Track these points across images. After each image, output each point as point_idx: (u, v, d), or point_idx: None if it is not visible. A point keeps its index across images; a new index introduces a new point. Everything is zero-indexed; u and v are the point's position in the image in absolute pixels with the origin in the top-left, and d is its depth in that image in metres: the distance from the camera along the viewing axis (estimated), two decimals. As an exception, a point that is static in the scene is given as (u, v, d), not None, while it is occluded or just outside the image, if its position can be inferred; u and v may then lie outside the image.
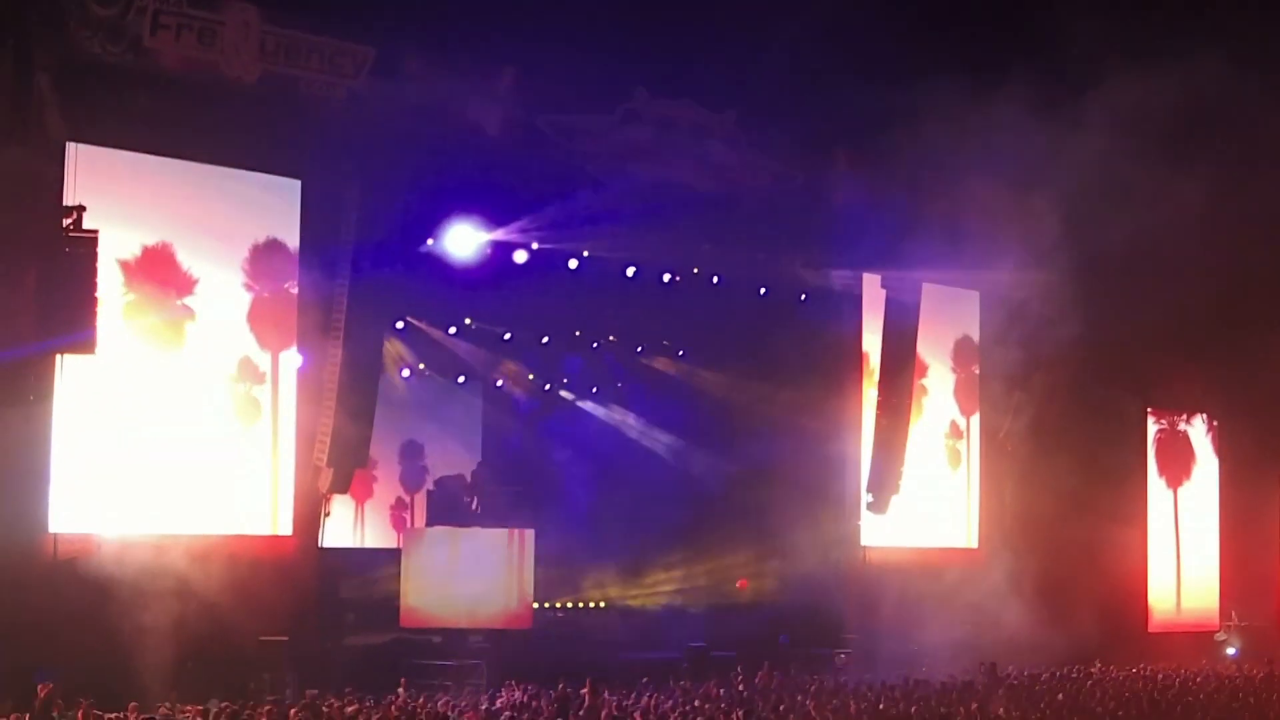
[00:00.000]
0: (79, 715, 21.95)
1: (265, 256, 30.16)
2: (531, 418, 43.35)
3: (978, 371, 41.82)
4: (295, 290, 30.57)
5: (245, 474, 29.80)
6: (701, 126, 35.46)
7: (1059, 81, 32.65)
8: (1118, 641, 39.50)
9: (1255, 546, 47.10)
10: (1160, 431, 46.68)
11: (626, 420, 43.38)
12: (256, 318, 30.10)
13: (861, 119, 34.64)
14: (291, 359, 30.57)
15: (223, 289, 29.61)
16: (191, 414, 28.94)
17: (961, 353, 41.59)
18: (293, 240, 30.55)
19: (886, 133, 33.77)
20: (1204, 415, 47.64)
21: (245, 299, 30.01)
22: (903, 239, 36.12)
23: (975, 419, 41.95)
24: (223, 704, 23.33)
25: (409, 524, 41.20)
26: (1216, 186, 32.20)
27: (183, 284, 29.01)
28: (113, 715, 22.03)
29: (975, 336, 41.73)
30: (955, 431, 41.66)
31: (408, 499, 42.06)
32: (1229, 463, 47.78)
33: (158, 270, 28.62)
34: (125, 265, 28.04)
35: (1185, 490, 47.18)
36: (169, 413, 28.58)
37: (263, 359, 30.22)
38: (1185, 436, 47.56)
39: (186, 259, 29.00)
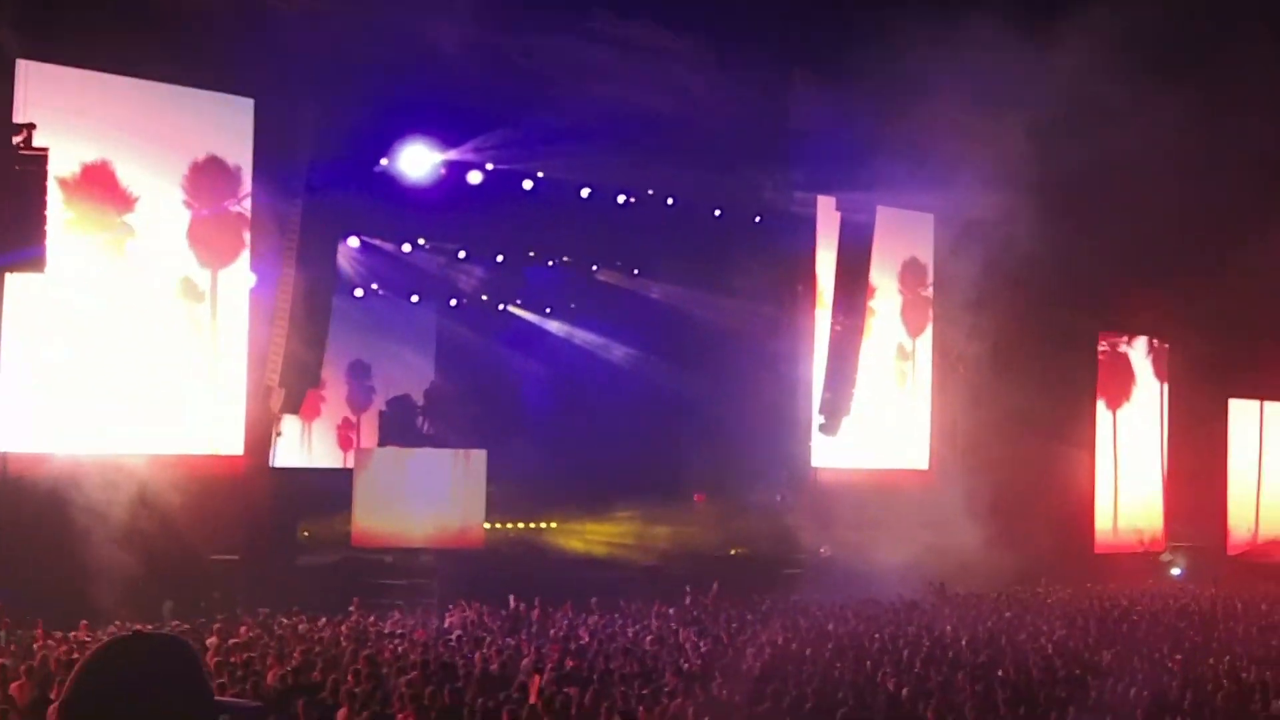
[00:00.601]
0: (37, 634, 21.93)
1: (205, 174, 29.88)
2: (485, 336, 43.23)
3: (926, 294, 41.89)
4: (236, 209, 30.31)
5: (193, 393, 29.67)
6: (659, 47, 35.24)
7: (1023, 2, 32.55)
8: (1065, 561, 39.90)
9: (1201, 469, 47.54)
10: (1101, 353, 46.91)
11: (581, 337, 43.37)
12: (196, 236, 29.85)
13: (821, 40, 34.52)
14: (231, 277, 30.36)
15: (163, 207, 29.39)
16: (134, 333, 28.80)
17: (909, 275, 41.61)
18: (236, 158, 30.30)
19: (846, 54, 33.59)
20: (1146, 337, 47.90)
21: (185, 217, 29.77)
22: (859, 161, 36.10)
23: (922, 341, 42.04)
24: (173, 622, 23.36)
25: (356, 444, 41.15)
26: (1179, 112, 32.20)
27: (123, 201, 28.77)
28: (60, 634, 22.00)
29: (923, 259, 41.74)
30: (902, 354, 41.77)
31: (355, 419, 42.01)
32: (1178, 385, 48.12)
33: (98, 188, 28.37)
34: (65, 183, 27.70)
35: (1124, 412, 47.47)
36: (113, 332, 28.48)
37: (202, 277, 30.01)
38: (1125, 358, 47.83)
39: (128, 176, 28.77)
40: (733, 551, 38.84)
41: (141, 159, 28.98)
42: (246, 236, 30.48)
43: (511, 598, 27.83)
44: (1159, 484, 47.98)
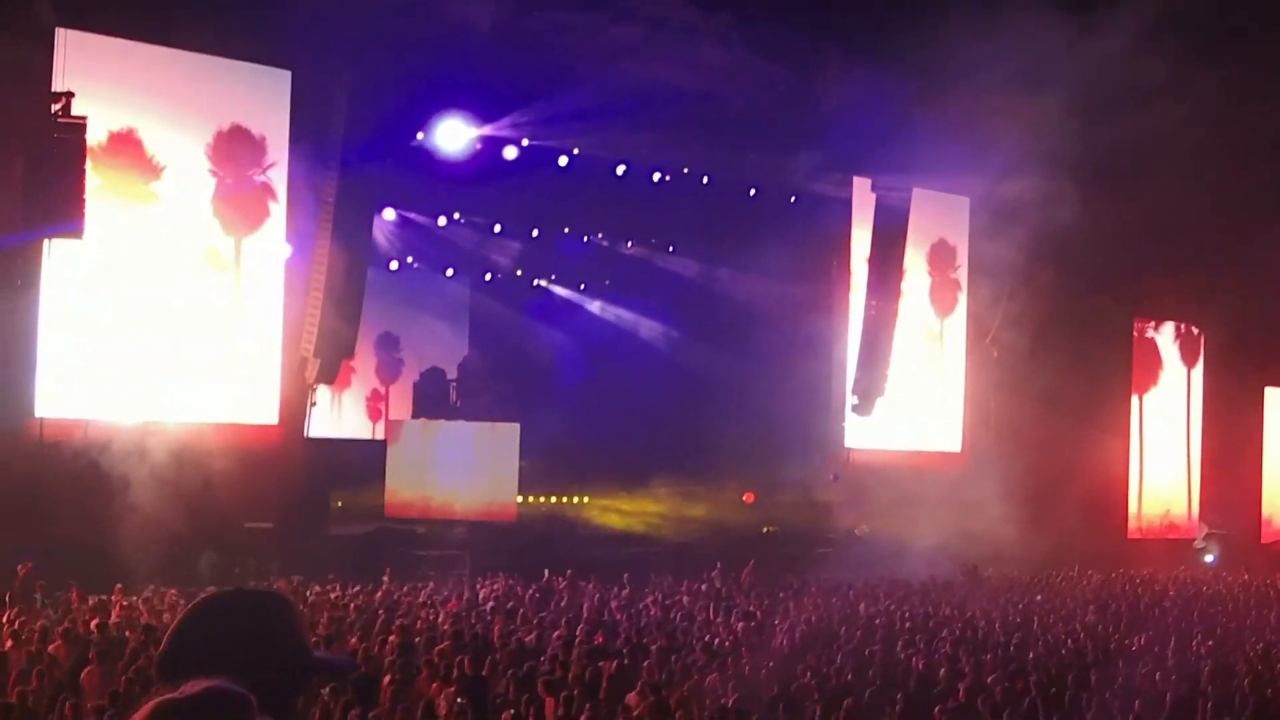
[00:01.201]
0: (72, 596, 22.11)
1: (230, 143, 29.87)
2: (519, 311, 43.28)
3: (954, 276, 41.73)
4: (261, 179, 30.32)
5: (226, 362, 29.76)
6: (694, 25, 35.19)
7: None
8: (1097, 546, 39.77)
9: (1234, 455, 47.29)
10: (1126, 338, 46.68)
11: (614, 313, 43.41)
12: (221, 205, 29.86)
13: (856, 20, 34.39)
14: (256, 246, 30.41)
15: (192, 175, 29.44)
16: (166, 301, 28.89)
17: (938, 256, 41.43)
18: (263, 128, 30.32)
19: (881, 35, 33.49)
20: (1174, 323, 47.62)
21: (210, 185, 29.81)
22: (895, 142, 35.99)
23: (952, 322, 41.88)
24: (208, 588, 23.47)
25: (385, 415, 41.29)
26: (1218, 96, 32.03)
27: (150, 169, 28.81)
28: (97, 597, 22.16)
29: (952, 241, 41.55)
30: (930, 335, 41.63)
31: (383, 390, 42.13)
32: (1212, 372, 47.88)
33: (126, 155, 28.41)
34: (93, 151, 27.52)
35: (1150, 397, 47.18)
36: (145, 300, 28.56)
37: (227, 245, 30.07)
38: (1152, 344, 47.54)
39: (158, 145, 28.86)
40: (765, 530, 38.82)
41: (172, 128, 29.07)
42: (271, 206, 30.51)
43: (546, 571, 27.93)
44: (1184, 470, 47.71)
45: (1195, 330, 47.98)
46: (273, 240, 30.75)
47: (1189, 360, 48.24)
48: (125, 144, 28.33)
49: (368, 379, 41.83)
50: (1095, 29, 30.78)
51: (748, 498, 39.64)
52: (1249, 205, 38.22)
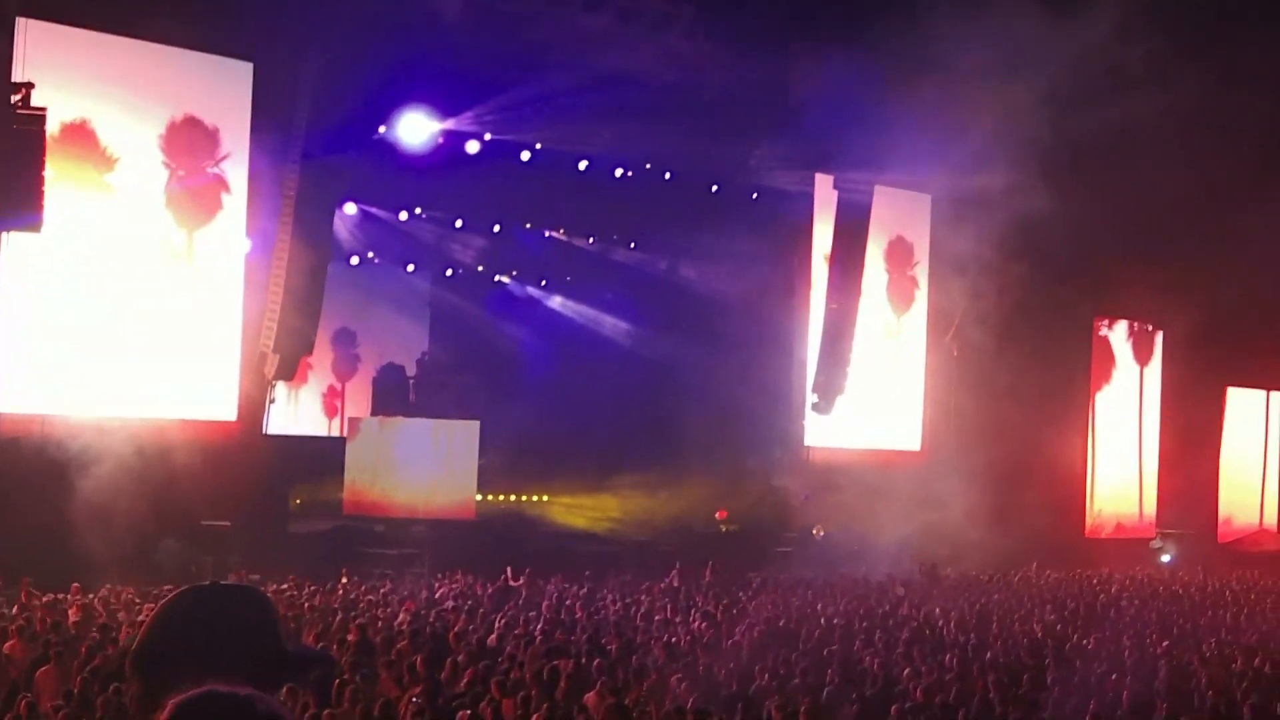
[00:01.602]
0: (21, 594, 21.97)
1: (182, 135, 29.58)
2: (480, 306, 43.17)
3: (911, 273, 41.75)
4: (214, 170, 30.05)
5: (184, 357, 29.52)
6: (662, 16, 35.16)
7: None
8: (1056, 545, 39.91)
9: (1191, 455, 47.50)
10: (1081, 337, 46.78)
11: (576, 309, 43.38)
12: (173, 197, 29.62)
13: (823, 14, 34.40)
14: (209, 239, 30.17)
15: (145, 167, 29.21)
16: (121, 295, 28.57)
17: (895, 253, 41.35)
18: (217, 120, 30.10)
19: (847, 29, 33.49)
20: (1126, 321, 47.76)
21: (163, 177, 29.58)
22: (858, 139, 35.97)
23: (909, 320, 41.88)
24: (165, 586, 23.34)
25: (340, 411, 41.11)
26: (1182, 90, 32.14)
27: (104, 161, 28.55)
28: (51, 596, 22.01)
29: (909, 238, 41.50)
30: (889, 332, 41.60)
31: (339, 386, 41.89)
32: (1173, 371, 48.08)
33: (79, 146, 28.12)
34: (50, 142, 27.25)
35: (1104, 395, 47.32)
36: (101, 293, 28.28)
37: (180, 238, 29.81)
38: (1105, 342, 47.70)
39: (112, 137, 28.59)
40: (724, 529, 38.85)
41: (130, 118, 28.83)
42: (225, 199, 30.22)
43: (508, 570, 27.87)
44: (1135, 468, 47.86)
45: (1150, 328, 48.14)
46: (232, 234, 30.56)
47: (1141, 359, 48.40)
48: (80, 134, 27.99)
49: (324, 375, 41.54)
50: (1059, 23, 30.83)
51: (720, 514, 39.51)
52: (1214, 203, 38.36)
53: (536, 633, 20.16)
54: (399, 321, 42.37)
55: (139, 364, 28.60)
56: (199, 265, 29.97)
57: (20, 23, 26.64)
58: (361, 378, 41.59)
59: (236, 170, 30.44)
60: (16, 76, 26.03)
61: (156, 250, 29.30)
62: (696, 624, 22.50)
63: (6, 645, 16.99)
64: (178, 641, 3.52)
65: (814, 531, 37.26)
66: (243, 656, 3.52)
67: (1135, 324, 48.12)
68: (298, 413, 40.28)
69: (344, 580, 26.53)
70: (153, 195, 29.33)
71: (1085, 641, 22.45)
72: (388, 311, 42.10)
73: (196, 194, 29.90)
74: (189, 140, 29.63)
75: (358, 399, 41.25)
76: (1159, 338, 48.45)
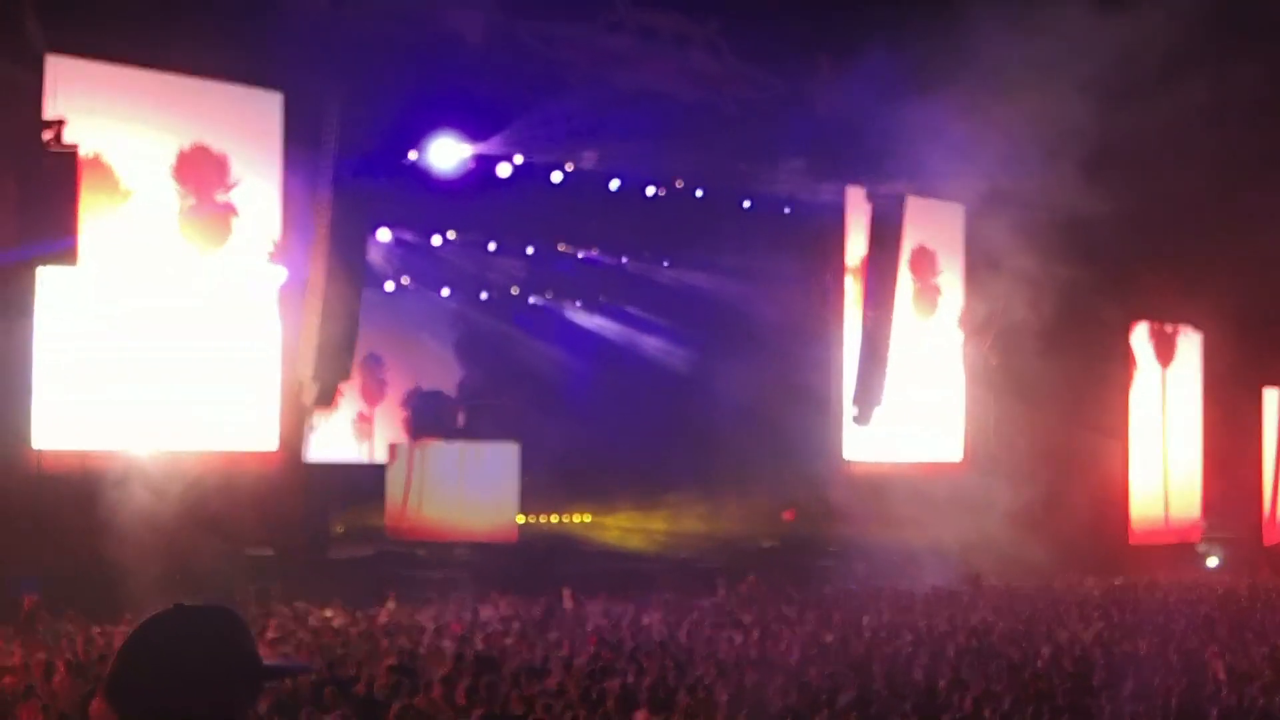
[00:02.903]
0: (70, 630, 22.02)
1: (194, 163, 29.53)
2: (516, 329, 43.20)
3: (934, 281, 41.56)
4: (224, 199, 30.00)
5: (223, 389, 29.61)
6: (684, 34, 35.19)
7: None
8: (1100, 552, 39.72)
9: (1235, 458, 47.23)
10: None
11: (612, 329, 43.38)
12: (188, 225, 29.67)
13: (847, 27, 34.35)
14: (248, 269, 30.24)
15: (176, 199, 29.30)
16: (154, 328, 28.61)
17: (919, 263, 41.14)
18: (250, 149, 30.19)
19: (872, 41, 33.46)
20: (1148, 323, 47.38)
21: (182, 205, 29.59)
22: (888, 149, 35.94)
23: (941, 328, 41.70)
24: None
25: (371, 437, 41.14)
26: (1211, 93, 32.00)
27: (126, 194, 28.63)
28: (100, 628, 22.07)
29: (931, 246, 41.20)
30: (923, 343, 41.35)
31: (369, 411, 41.91)
32: (1212, 374, 47.82)
33: (109, 179, 28.17)
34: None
35: (1142, 399, 46.96)
36: (136, 327, 28.34)
37: (219, 270, 29.86)
38: (1143, 345, 47.39)
39: (145, 169, 28.71)
40: (766, 544, 38.75)
41: (159, 151, 28.97)
42: (236, 224, 30.17)
43: (566, 592, 27.91)
44: (1178, 472, 47.49)
45: (1188, 329, 47.85)
46: (266, 263, 30.65)
47: (1163, 359, 48.04)
48: (102, 167, 28.03)
49: (353, 400, 41.49)
50: (1091, 23, 30.71)
51: (788, 515, 39.32)
52: (1249, 204, 38.16)
53: (582, 653, 20.13)
54: (424, 345, 42.36)
55: (178, 396, 28.69)
56: (233, 296, 30.03)
57: (50, 60, 26.81)
58: (390, 402, 41.61)
59: (267, 199, 30.54)
60: (49, 114, 26.20)
61: (190, 282, 29.37)
62: (741, 639, 22.43)
63: (55, 679, 17.03)
64: (149, 666, 3.56)
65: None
66: (216, 674, 3.55)
67: (1171, 326, 47.85)
68: (330, 439, 40.23)
69: (389, 605, 26.51)
70: (181, 229, 29.42)
71: (1133, 649, 22.31)
72: (419, 336, 42.11)
73: (217, 221, 29.92)
74: (212, 168, 29.66)
75: (387, 424, 41.29)
76: (1198, 339, 48.17)
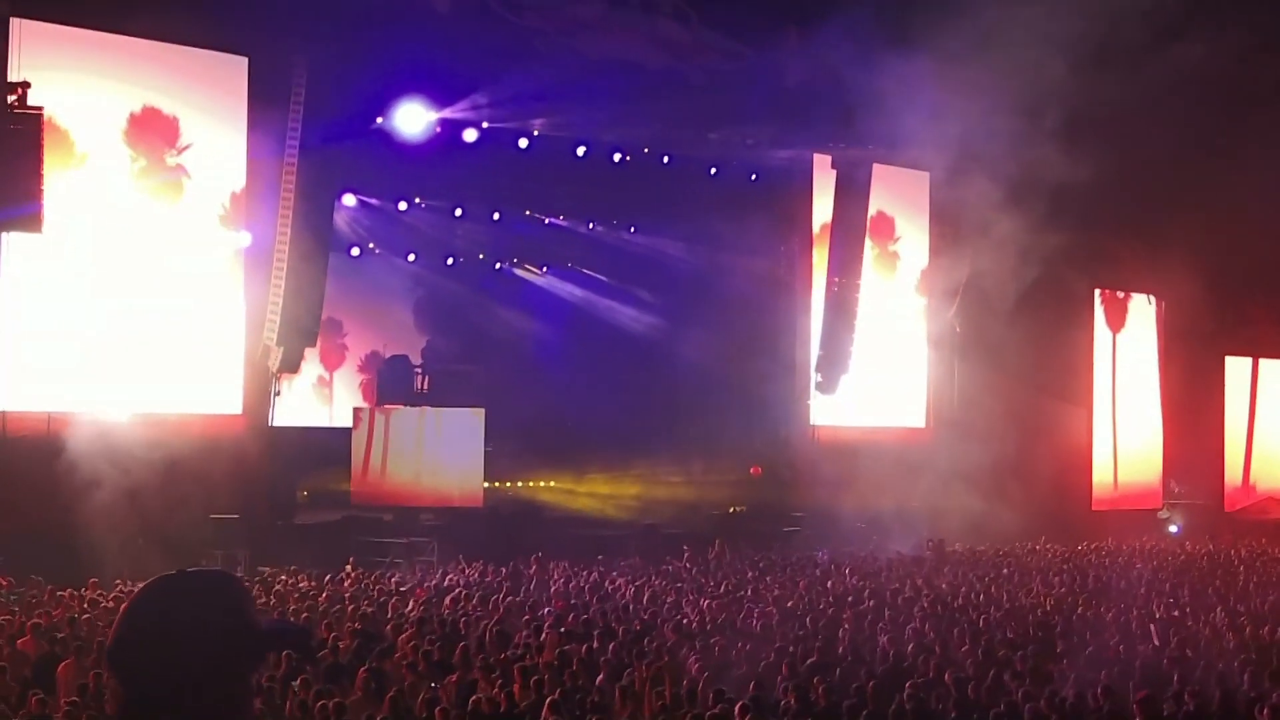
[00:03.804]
0: (30, 592, 22.01)
1: (145, 124, 29.41)
2: (481, 294, 43.09)
3: (893, 248, 41.63)
4: (175, 160, 29.86)
5: (187, 352, 29.52)
6: (651, 2, 35.14)
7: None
8: (1063, 518, 39.98)
9: (1196, 425, 47.52)
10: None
11: (577, 295, 43.35)
12: (142, 187, 29.56)
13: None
14: (213, 233, 30.18)
15: (138, 163, 29.17)
16: (122, 291, 28.59)
17: (877, 228, 41.08)
18: (218, 114, 30.11)
19: (838, 9, 33.45)
20: (1099, 289, 47.46)
21: (165, 174, 29.54)
22: (854, 117, 36.00)
23: (911, 297, 41.85)
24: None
25: (330, 402, 41.05)
26: (1177, 60, 32.10)
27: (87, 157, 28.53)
28: (66, 591, 22.05)
29: (889, 212, 41.19)
30: (889, 309, 41.45)
31: (328, 376, 41.73)
32: (1173, 341, 48.09)
33: (63, 143, 28.01)
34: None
35: (1104, 366, 47.14)
36: (101, 290, 28.28)
37: (185, 233, 29.79)
38: (1105, 312, 47.57)
39: (108, 134, 28.60)
40: (731, 509, 38.88)
41: (121, 116, 28.85)
42: (185, 183, 30.03)
43: (539, 555, 28.02)
44: (1139, 439, 47.72)
45: (1120, 294, 47.94)
46: (232, 227, 30.58)
47: (1115, 325, 48.19)
48: (59, 131, 27.78)
49: (312, 365, 41.17)
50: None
51: (755, 471, 39.42)
52: (1211, 173, 38.33)
53: (547, 618, 20.21)
54: (384, 310, 42.19)
55: (143, 360, 28.63)
56: (198, 260, 29.94)
57: (14, 23, 26.65)
58: (349, 367, 41.52)
59: (234, 164, 30.45)
60: (13, 76, 26.04)
61: (154, 246, 29.25)
62: (706, 604, 22.54)
63: (20, 642, 17.05)
64: (150, 633, 3.57)
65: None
66: (215, 639, 3.57)
67: (1135, 295, 48.08)
68: (289, 403, 40.01)
69: (349, 570, 26.53)
70: (152, 192, 29.33)
71: (1094, 613, 22.51)
72: (372, 300, 41.86)
73: (175, 184, 29.78)
74: (170, 131, 29.51)
75: (345, 388, 41.21)
76: (1158, 307, 48.42)
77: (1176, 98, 33.46)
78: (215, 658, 3.55)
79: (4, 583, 22.86)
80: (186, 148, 29.74)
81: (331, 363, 41.90)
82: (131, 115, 29.09)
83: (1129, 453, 47.24)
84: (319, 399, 41.41)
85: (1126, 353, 47.73)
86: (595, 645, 17.47)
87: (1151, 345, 48.54)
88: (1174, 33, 31.59)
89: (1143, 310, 48.37)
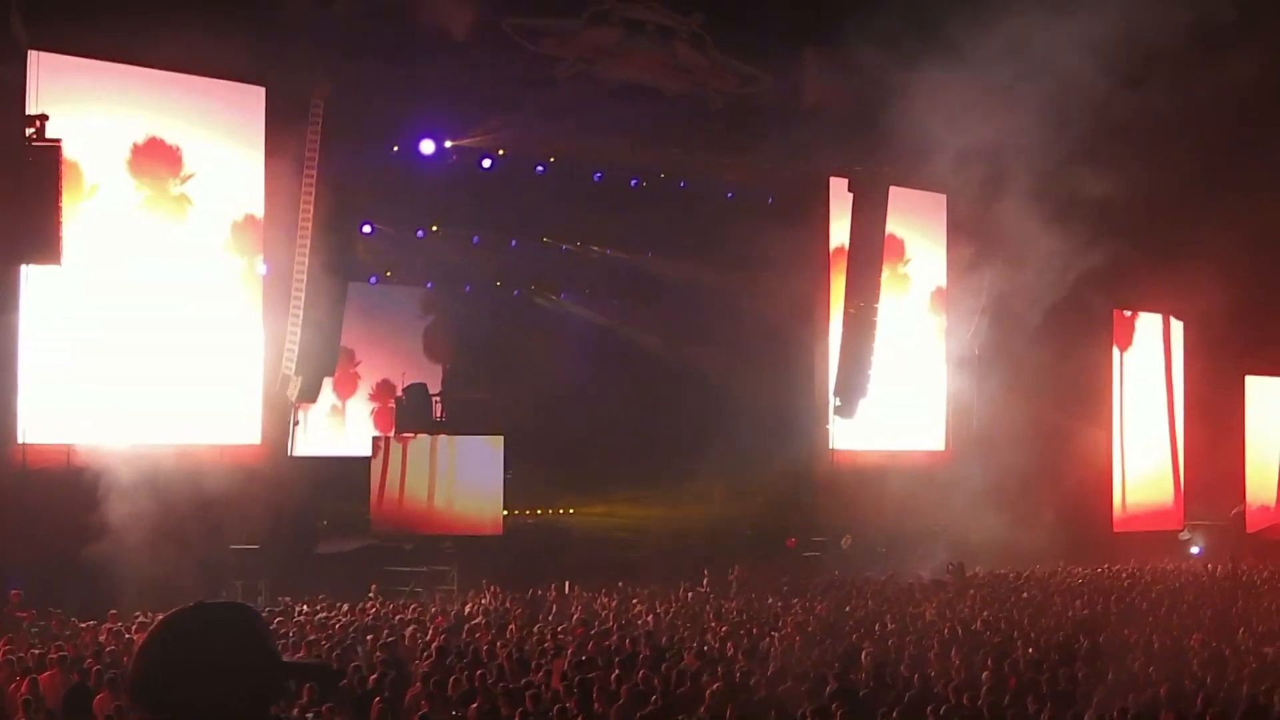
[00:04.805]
0: (52, 625, 22.03)
1: (149, 155, 29.51)
2: (500, 322, 43.06)
3: (903, 271, 41.57)
4: (179, 190, 29.92)
5: (206, 382, 29.64)
6: (668, 28, 35.23)
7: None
8: (1084, 540, 39.85)
9: (1217, 446, 47.34)
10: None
11: (596, 321, 43.32)
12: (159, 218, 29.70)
13: (829, 18, 34.37)
14: (231, 264, 30.30)
15: (157, 195, 29.31)
16: (141, 322, 28.78)
17: (887, 251, 40.92)
18: (240, 144, 30.24)
19: (855, 32, 33.46)
20: (1146, 312, 47.39)
21: (187, 206, 29.67)
22: (871, 141, 35.99)
23: (929, 319, 41.83)
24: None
25: (344, 430, 41.04)
26: (1190, 82, 32.07)
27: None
28: (88, 623, 22.07)
29: (899, 234, 41.09)
30: (908, 332, 41.41)
31: (340, 405, 41.68)
32: (1193, 361, 48.01)
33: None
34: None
35: (1124, 388, 47.10)
36: (121, 323, 28.46)
37: (201, 265, 29.99)
38: (1125, 334, 47.55)
39: (121, 164, 28.73)
40: (751, 534, 38.77)
41: (145, 146, 29.01)
42: (202, 213, 30.13)
43: (566, 583, 28.00)
44: (1160, 461, 47.57)
45: (1127, 313, 47.88)
46: (252, 258, 30.69)
47: (1161, 350, 48.23)
48: (70, 164, 27.85)
49: (325, 394, 41.24)
50: (1074, 10, 30.75)
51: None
52: (1229, 193, 38.27)
53: (568, 644, 20.18)
54: (395, 338, 42.15)
55: (162, 391, 28.74)
56: (215, 289, 30.05)
57: (33, 55, 26.81)
58: (361, 396, 41.52)
59: (252, 194, 30.60)
60: (31, 109, 26.20)
61: (170, 275, 29.35)
62: (726, 629, 22.49)
63: (44, 676, 17.04)
64: (171, 665, 3.58)
65: (842, 543, 37.21)
66: (236, 672, 3.57)
67: (1153, 315, 48.04)
68: (302, 432, 40.00)
69: (372, 598, 26.53)
70: (165, 220, 29.46)
71: (1117, 635, 22.40)
72: (383, 328, 41.82)
73: (180, 212, 29.91)
74: (173, 159, 29.62)
75: (358, 417, 41.19)
76: (1179, 328, 48.34)
77: (1199, 118, 33.44)
78: (234, 690, 3.56)
79: (26, 616, 22.87)
80: (195, 177, 29.88)
81: (344, 391, 41.87)
82: (145, 146, 29.25)
83: (1148, 473, 47.12)
84: (332, 428, 41.37)
85: (1144, 373, 47.65)
86: (616, 672, 17.42)
87: (1174, 364, 48.45)
88: (1199, 50, 31.54)
89: (1157, 329, 48.30)
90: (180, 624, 3.65)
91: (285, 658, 3.77)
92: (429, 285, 41.73)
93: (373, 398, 41.54)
